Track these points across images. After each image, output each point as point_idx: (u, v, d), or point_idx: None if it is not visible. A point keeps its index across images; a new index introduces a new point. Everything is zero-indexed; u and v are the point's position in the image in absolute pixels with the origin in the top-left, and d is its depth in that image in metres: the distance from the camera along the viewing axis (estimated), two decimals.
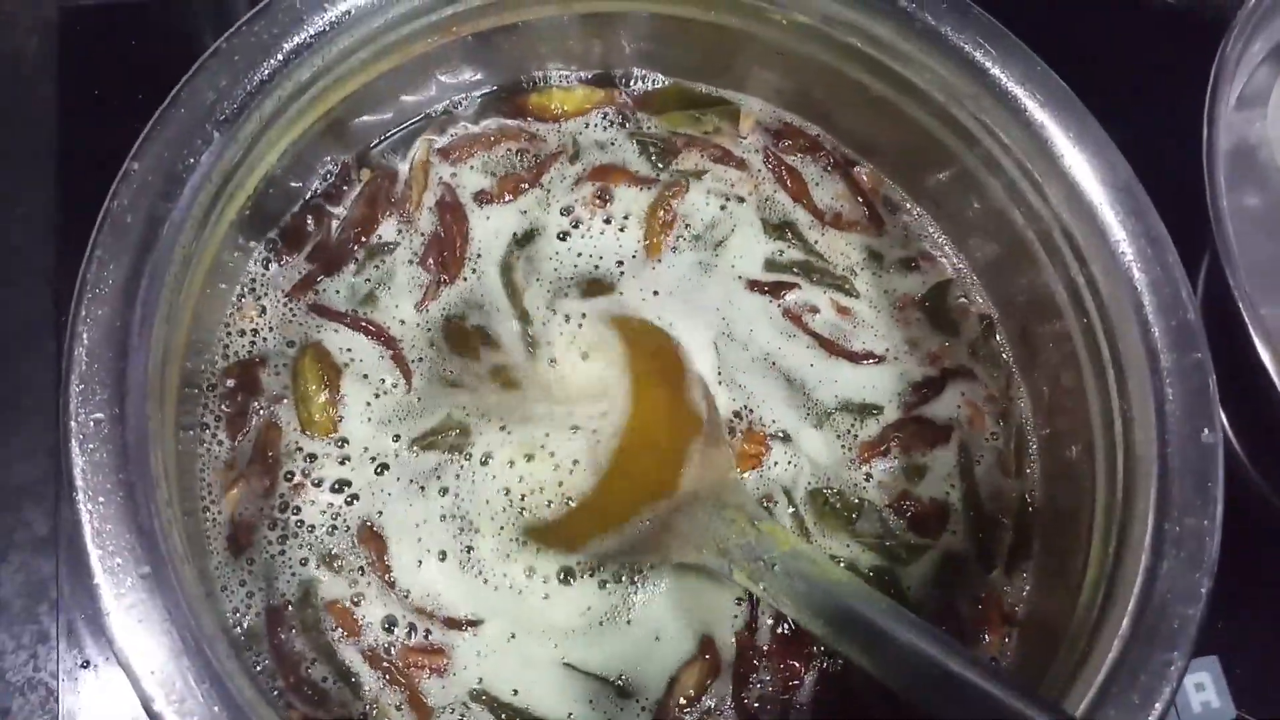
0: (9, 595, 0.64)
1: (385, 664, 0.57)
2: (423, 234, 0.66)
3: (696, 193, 0.69)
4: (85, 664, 0.62)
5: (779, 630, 0.60)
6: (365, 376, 0.62)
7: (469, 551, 0.59)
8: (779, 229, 0.69)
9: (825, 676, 0.59)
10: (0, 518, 0.65)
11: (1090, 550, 0.57)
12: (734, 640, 0.60)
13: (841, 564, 0.61)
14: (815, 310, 0.67)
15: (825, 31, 0.64)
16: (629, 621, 0.60)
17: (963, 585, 0.62)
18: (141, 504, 0.46)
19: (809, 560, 0.55)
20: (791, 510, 0.62)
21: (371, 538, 0.59)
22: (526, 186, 0.68)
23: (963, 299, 0.69)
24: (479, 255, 0.66)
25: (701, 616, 0.60)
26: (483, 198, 0.67)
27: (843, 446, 0.64)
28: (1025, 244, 0.64)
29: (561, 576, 0.60)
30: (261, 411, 0.61)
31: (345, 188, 0.66)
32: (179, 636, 0.45)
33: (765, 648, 0.60)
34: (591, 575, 0.60)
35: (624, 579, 0.60)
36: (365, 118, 0.65)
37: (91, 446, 0.46)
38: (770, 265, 0.68)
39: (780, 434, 0.64)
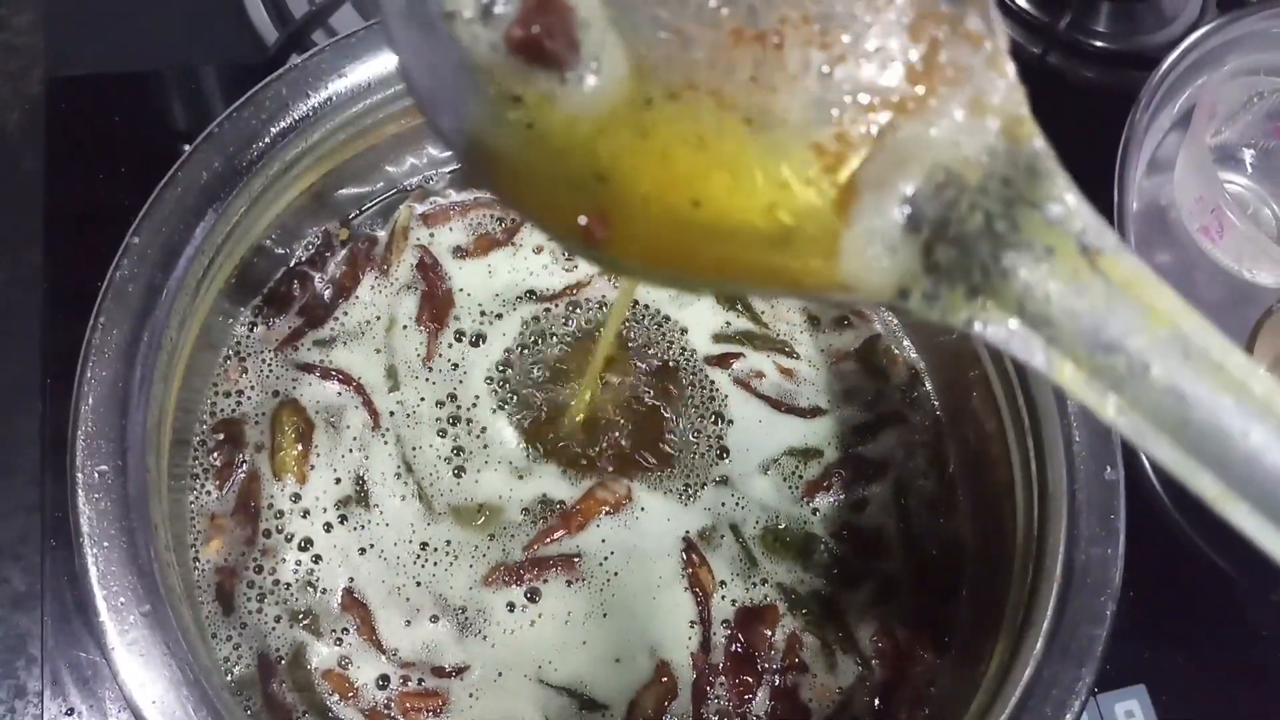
0: None
1: (386, 717, 0.59)
2: (403, 289, 0.70)
3: None
4: (70, 711, 0.64)
5: (732, 649, 0.63)
6: (346, 426, 0.65)
7: (456, 611, 0.62)
8: (730, 300, 0.73)
9: (778, 693, 0.63)
10: None
11: (1012, 579, 0.62)
12: (690, 661, 0.63)
13: (791, 592, 0.65)
14: (761, 375, 0.71)
15: None
16: (605, 615, 0.62)
17: (901, 609, 0.66)
18: (142, 548, 0.50)
19: (1216, 366, 0.29)
20: (740, 544, 0.66)
21: (354, 604, 0.61)
22: (500, 243, 0.72)
23: (893, 351, 0.74)
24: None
25: (655, 640, 0.63)
26: (458, 253, 0.72)
27: (789, 487, 0.69)
28: None
29: (529, 595, 0.63)
30: (245, 464, 0.64)
31: (328, 253, 0.70)
32: (179, 669, 0.48)
33: (720, 665, 0.63)
34: (555, 577, 0.63)
35: (593, 577, 0.63)
36: (346, 190, 0.70)
37: (97, 496, 0.50)
38: (717, 337, 0.72)
39: (718, 479, 0.68)
